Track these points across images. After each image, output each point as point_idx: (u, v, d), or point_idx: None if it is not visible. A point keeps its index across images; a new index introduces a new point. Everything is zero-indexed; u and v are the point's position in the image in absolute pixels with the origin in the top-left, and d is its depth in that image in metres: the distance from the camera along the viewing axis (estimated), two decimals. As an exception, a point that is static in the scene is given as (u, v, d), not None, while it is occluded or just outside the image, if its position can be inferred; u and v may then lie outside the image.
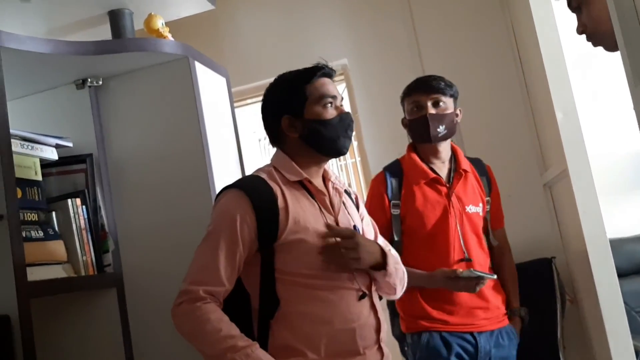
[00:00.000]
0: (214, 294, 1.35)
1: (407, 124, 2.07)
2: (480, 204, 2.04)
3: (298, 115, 1.49)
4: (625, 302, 2.06)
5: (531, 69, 2.57)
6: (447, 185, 2.00)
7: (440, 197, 1.98)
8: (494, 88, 2.86)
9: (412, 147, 2.09)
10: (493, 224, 2.10)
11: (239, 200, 1.40)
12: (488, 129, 2.84)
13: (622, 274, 2.24)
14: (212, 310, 1.32)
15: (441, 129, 1.98)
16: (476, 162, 2.13)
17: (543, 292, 2.44)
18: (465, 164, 2.06)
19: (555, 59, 2.15)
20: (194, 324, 1.32)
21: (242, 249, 1.38)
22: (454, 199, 1.98)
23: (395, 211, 1.98)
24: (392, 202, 1.99)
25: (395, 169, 2.06)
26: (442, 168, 2.04)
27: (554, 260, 2.51)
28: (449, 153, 2.07)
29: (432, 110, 1.98)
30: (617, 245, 2.38)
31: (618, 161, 2.69)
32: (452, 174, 2.03)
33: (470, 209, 2.00)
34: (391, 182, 2.01)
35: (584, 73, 2.64)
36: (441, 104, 2.00)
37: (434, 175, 2.00)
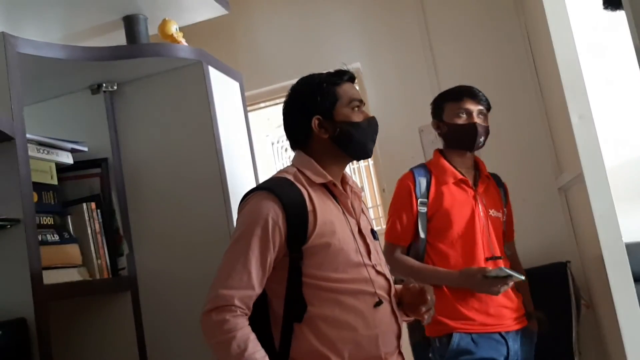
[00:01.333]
0: (244, 300, 1.33)
1: (446, 127, 2.06)
2: (501, 211, 2.08)
3: (328, 116, 1.49)
4: (642, 307, 2.04)
5: (546, 72, 2.55)
6: (473, 188, 2.04)
7: (468, 198, 2.01)
8: (508, 91, 2.84)
9: (440, 152, 2.12)
10: (507, 235, 2.13)
11: (269, 202, 1.38)
12: (503, 133, 2.81)
13: (638, 279, 2.21)
14: (239, 326, 1.30)
15: (482, 140, 2.04)
16: (494, 176, 2.19)
17: (558, 297, 2.42)
18: (487, 172, 2.12)
19: (570, 61, 2.13)
20: (220, 337, 1.30)
21: (272, 252, 1.37)
22: (479, 200, 2.02)
23: (423, 209, 2.00)
24: (420, 200, 2.01)
25: (422, 169, 2.08)
26: (467, 174, 2.08)
27: (569, 264, 2.49)
28: (473, 162, 2.12)
29: (478, 120, 2.02)
30: (634, 249, 2.35)
31: (634, 164, 2.66)
32: (477, 179, 2.08)
33: (493, 213, 2.04)
34: (419, 181, 2.03)
35: (599, 76, 2.61)
36: (483, 115, 2.05)
37: (461, 176, 2.04)
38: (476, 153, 2.14)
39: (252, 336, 1.31)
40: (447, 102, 2.07)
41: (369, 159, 3.24)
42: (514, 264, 2.12)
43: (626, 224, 2.15)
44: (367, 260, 1.44)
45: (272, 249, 1.36)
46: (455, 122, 2.03)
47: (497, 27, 2.88)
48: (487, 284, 1.82)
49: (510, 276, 1.77)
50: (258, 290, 1.36)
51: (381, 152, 2.97)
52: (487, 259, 1.95)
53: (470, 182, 2.05)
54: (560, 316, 2.39)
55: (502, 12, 2.89)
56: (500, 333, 1.92)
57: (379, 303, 1.41)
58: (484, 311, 1.92)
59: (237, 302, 1.31)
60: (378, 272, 1.46)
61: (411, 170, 2.09)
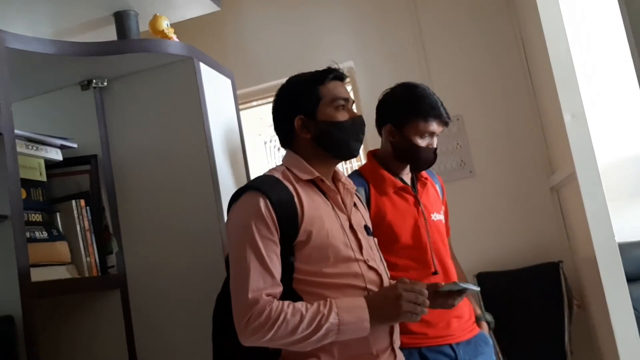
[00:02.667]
0: (273, 296, 1.32)
1: (405, 142, 1.88)
2: (441, 211, 1.98)
3: (311, 116, 1.49)
4: (634, 307, 2.04)
5: (538, 71, 2.56)
6: (414, 193, 1.92)
7: (409, 206, 1.89)
8: (500, 90, 2.85)
9: (374, 156, 1.97)
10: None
11: (260, 201, 1.36)
12: (495, 132, 2.83)
13: (631, 279, 2.21)
14: (278, 303, 1.30)
15: None
16: (429, 171, 2.05)
17: (550, 297, 2.43)
18: (425, 173, 1.98)
19: (563, 60, 2.13)
20: (274, 324, 1.27)
21: (277, 248, 1.35)
22: (422, 206, 1.90)
23: None
24: None
25: (359, 179, 1.91)
26: (405, 176, 1.95)
27: (561, 264, 2.49)
28: None
29: (435, 144, 1.89)
30: (626, 249, 2.36)
31: (627, 164, 2.67)
32: (415, 183, 1.96)
33: (435, 216, 1.92)
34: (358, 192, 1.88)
35: (592, 75, 2.62)
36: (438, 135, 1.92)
37: (402, 184, 1.90)
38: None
39: (297, 304, 1.31)
40: (413, 116, 1.86)
41: (362, 158, 3.24)
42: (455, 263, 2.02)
43: (619, 224, 2.15)
44: (358, 255, 1.43)
45: (276, 245, 1.35)
46: (417, 143, 1.86)
47: (489, 26, 2.89)
48: (440, 300, 1.60)
49: (464, 289, 1.60)
50: (281, 287, 1.34)
51: (374, 152, 2.96)
52: (433, 274, 1.83)
53: (410, 188, 1.92)
54: (552, 316, 2.39)
55: (494, 11, 2.89)
56: (450, 345, 1.81)
57: None
58: (434, 324, 1.80)
59: (267, 297, 1.30)
60: (370, 267, 1.45)
61: None
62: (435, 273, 1.84)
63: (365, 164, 1.99)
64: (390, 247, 1.83)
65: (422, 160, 1.90)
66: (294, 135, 1.51)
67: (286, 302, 1.31)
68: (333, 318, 1.29)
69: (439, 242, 1.90)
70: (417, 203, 1.90)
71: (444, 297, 1.55)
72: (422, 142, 1.87)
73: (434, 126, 1.87)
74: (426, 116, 1.86)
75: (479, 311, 2.03)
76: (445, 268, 1.87)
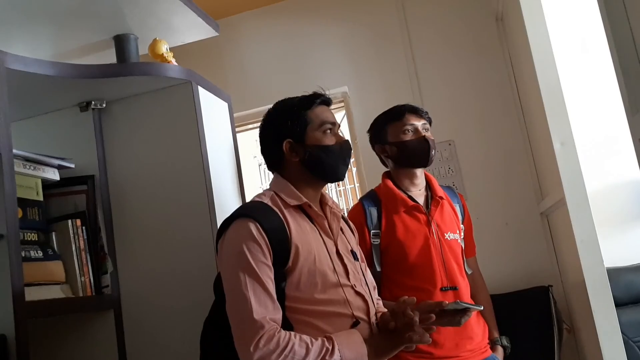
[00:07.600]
0: (276, 322, 1.32)
1: (395, 147, 1.98)
2: (457, 231, 2.00)
3: (299, 140, 1.51)
4: (623, 332, 2.05)
5: (529, 99, 2.60)
6: (426, 212, 1.96)
7: (421, 225, 1.93)
8: (492, 117, 2.89)
9: (388, 176, 2.05)
10: (466, 252, 2.06)
11: (252, 227, 1.36)
12: (485, 158, 2.86)
13: (619, 304, 2.23)
14: (285, 332, 1.30)
15: (434, 153, 1.98)
16: (449, 190, 2.12)
17: (540, 321, 2.43)
18: (440, 192, 2.03)
19: (553, 89, 2.17)
20: (282, 352, 1.26)
21: (272, 274, 1.35)
22: (433, 226, 1.93)
23: (376, 241, 1.93)
24: (372, 232, 1.94)
25: (372, 198, 2.01)
26: (419, 196, 2.00)
27: (551, 288, 2.51)
28: (424, 180, 2.05)
29: (426, 134, 1.97)
30: (615, 274, 2.38)
31: (616, 190, 2.70)
32: (429, 201, 1.99)
33: (449, 236, 1.95)
34: (370, 212, 1.96)
35: (581, 102, 2.67)
36: (427, 129, 1.99)
37: (413, 203, 1.95)
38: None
39: (303, 336, 1.31)
40: (389, 123, 2.00)
41: (356, 182, 3.27)
42: (476, 284, 2.06)
43: (607, 249, 2.17)
44: (344, 281, 1.44)
45: (270, 269, 1.35)
46: (403, 140, 1.96)
47: (481, 54, 2.94)
48: (447, 318, 1.59)
49: (468, 308, 1.59)
50: (281, 310, 1.35)
51: (367, 175, 2.99)
52: (442, 289, 1.87)
53: (423, 207, 1.96)
54: (542, 340, 2.39)
55: (486, 40, 2.95)
56: None
57: (355, 323, 1.41)
58: (441, 344, 1.83)
59: (272, 322, 1.30)
60: (357, 293, 1.45)
61: (360, 201, 2.03)
62: (444, 289, 1.87)
63: (379, 184, 2.06)
64: (399, 266, 1.90)
65: (414, 152, 1.96)
66: (282, 158, 1.53)
67: (292, 332, 1.31)
68: (337, 355, 1.30)
69: (451, 260, 1.93)
70: (429, 222, 1.93)
71: (450, 316, 1.56)
72: (407, 137, 1.96)
73: (411, 119, 1.97)
74: (398, 115, 1.98)
75: (495, 335, 2.04)
76: (456, 286, 1.90)
